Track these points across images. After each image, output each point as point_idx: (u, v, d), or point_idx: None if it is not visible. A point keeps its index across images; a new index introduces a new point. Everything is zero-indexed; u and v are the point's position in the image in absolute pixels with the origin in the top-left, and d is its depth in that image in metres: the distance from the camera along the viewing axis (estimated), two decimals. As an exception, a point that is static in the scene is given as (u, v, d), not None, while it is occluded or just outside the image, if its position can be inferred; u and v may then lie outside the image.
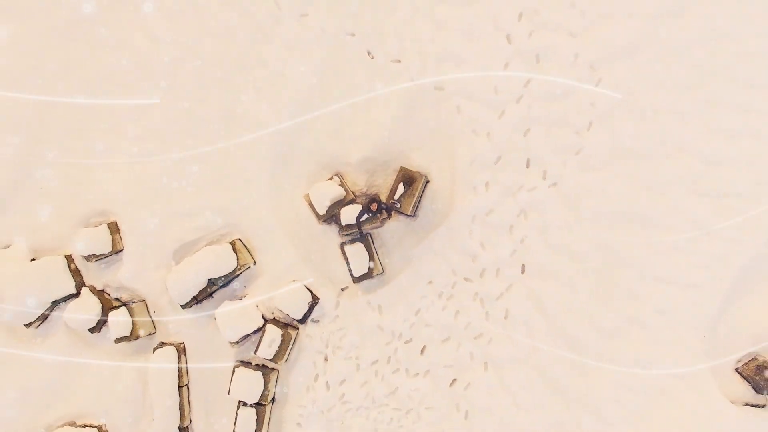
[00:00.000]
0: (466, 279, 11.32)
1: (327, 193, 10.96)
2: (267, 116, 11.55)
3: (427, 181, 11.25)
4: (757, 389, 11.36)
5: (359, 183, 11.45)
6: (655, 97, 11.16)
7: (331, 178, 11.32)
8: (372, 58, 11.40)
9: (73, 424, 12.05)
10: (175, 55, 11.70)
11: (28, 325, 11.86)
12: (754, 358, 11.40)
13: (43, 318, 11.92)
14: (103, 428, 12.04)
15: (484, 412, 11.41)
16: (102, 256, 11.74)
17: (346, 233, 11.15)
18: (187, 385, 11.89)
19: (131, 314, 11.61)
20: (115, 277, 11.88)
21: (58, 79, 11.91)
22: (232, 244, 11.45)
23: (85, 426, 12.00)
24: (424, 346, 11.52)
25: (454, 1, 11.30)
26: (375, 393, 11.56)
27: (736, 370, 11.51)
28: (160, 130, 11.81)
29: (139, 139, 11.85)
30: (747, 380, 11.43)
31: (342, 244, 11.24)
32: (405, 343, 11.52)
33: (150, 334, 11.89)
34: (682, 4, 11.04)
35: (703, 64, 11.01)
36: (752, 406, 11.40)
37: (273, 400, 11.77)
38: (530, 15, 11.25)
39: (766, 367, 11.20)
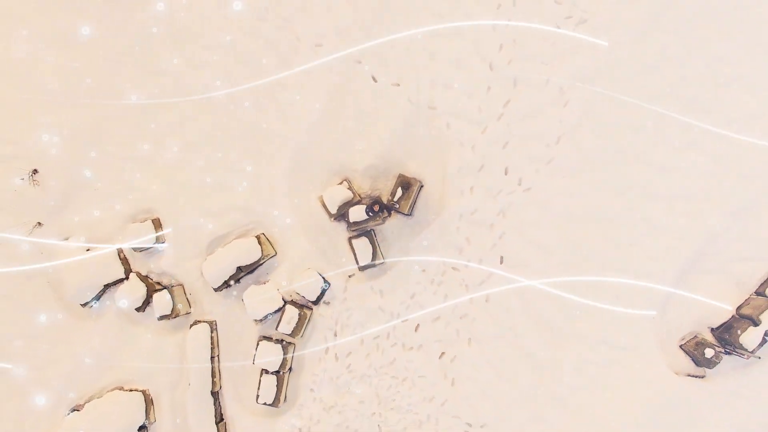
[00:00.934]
0: (453, 268, 13.44)
1: (337, 196, 13.09)
2: (287, 130, 13.67)
3: (422, 186, 13.36)
4: (697, 363, 13.43)
5: (364, 187, 13.58)
6: (614, 116, 13.24)
7: (341, 183, 13.43)
8: (375, 81, 13.51)
9: (121, 388, 14.24)
10: (210, 79, 13.82)
11: (84, 305, 14.04)
12: (695, 337, 13.48)
13: (97, 299, 14.08)
14: (147, 392, 14.21)
15: (468, 380, 13.54)
16: (147, 248, 13.89)
17: (353, 229, 13.26)
18: (218, 356, 14.05)
19: (171, 296, 13.76)
20: (158, 265, 14.05)
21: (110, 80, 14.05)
22: (257, 237, 13.60)
23: (131, 390, 14.19)
24: (418, 325, 13.65)
25: (445, 35, 13.40)
26: (376, 364, 13.70)
27: (680, 346, 13.60)
28: (196, 141, 13.95)
29: (178, 148, 13.99)
30: (689, 355, 13.51)
31: (350, 238, 13.37)
32: (402, 321, 13.65)
33: (187, 313, 14.05)
34: (635, 37, 13.12)
35: (653, 88, 13.10)
36: (693, 376, 13.49)
37: (290, 369, 13.92)
38: (509, 46, 13.34)
39: (704, 345, 13.27)
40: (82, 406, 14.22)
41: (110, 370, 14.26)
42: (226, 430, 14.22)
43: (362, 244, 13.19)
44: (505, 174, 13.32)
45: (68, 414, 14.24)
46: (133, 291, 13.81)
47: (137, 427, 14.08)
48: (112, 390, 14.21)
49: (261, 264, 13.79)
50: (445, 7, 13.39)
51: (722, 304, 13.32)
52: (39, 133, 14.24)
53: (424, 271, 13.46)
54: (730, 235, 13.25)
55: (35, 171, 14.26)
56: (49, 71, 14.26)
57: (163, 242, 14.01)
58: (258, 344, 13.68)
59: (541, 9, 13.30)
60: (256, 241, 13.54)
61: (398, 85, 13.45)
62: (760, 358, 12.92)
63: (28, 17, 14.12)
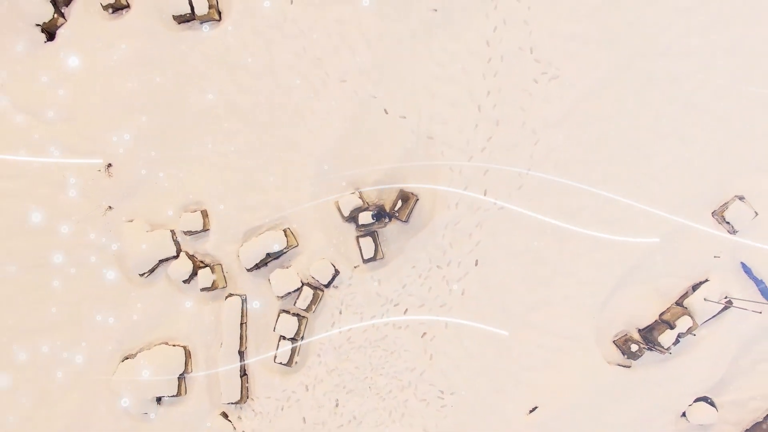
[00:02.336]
0: (438, 266, 16.89)
1: (350, 202, 16.53)
2: (313, 147, 17.08)
3: (417, 199, 16.78)
4: (627, 355, 16.84)
5: (372, 197, 17.00)
6: (574, 153, 16.60)
7: (353, 193, 16.84)
8: (386, 113, 16.90)
9: (166, 343, 17.77)
10: (255, 101, 17.22)
11: (141, 275, 17.54)
12: (625, 335, 16.90)
13: (152, 270, 17.57)
14: (187, 348, 17.74)
15: (443, 356, 17.02)
16: (195, 232, 17.36)
17: (360, 230, 16.71)
18: (246, 323, 17.54)
19: (212, 272, 17.24)
20: (203, 247, 17.54)
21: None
22: (284, 231, 17.07)
23: (174, 345, 17.71)
24: (406, 309, 17.12)
25: (444, 80, 16.75)
26: (371, 338, 17.18)
27: (613, 341, 17.03)
28: (241, 150, 17.37)
29: (225, 154, 17.42)
30: (619, 349, 16.93)
31: (357, 237, 16.81)
32: (394, 306, 17.12)
33: (223, 287, 17.55)
34: (596, 91, 16.47)
35: (608, 139, 16.47)
36: (621, 366, 16.92)
37: (302, 337, 17.40)
38: (495, 93, 16.70)
39: (631, 341, 16.68)
40: (134, 355, 17.80)
41: (159, 328, 17.81)
42: (247, 382, 17.75)
43: (367, 242, 16.64)
44: (484, 195, 16.74)
45: (122, 361, 17.82)
46: (182, 266, 17.30)
47: (177, 375, 17.62)
48: (159, 344, 17.76)
49: (285, 252, 17.26)
50: (445, 58, 16.75)
51: (648, 310, 16.76)
52: (113, 134, 17.69)
53: (414, 267, 16.92)
54: (658, 256, 16.66)
55: (110, 165, 17.74)
56: (125, 83, 17.68)
57: (208, 229, 17.47)
58: (278, 316, 17.18)
59: (523, 65, 16.66)
60: (283, 233, 17.00)
61: (404, 117, 16.84)
62: (671, 353, 16.36)
63: (115, 42, 17.52)
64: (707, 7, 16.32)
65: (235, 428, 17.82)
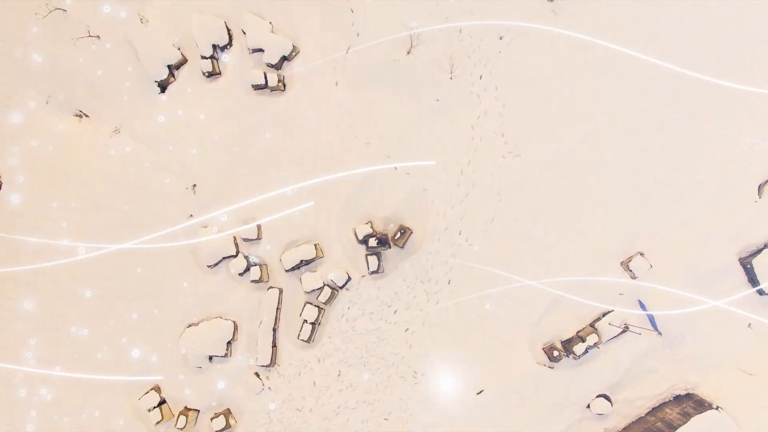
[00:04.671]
0: (421, 282, 23.62)
1: (363, 230, 23.33)
2: (343, 188, 23.91)
3: (411, 232, 23.56)
4: (551, 359, 23.30)
5: (379, 228, 23.80)
6: (528, 211, 23.28)
7: (366, 223, 23.64)
8: (396, 170, 23.75)
9: (220, 317, 24.52)
10: (303, 150, 24.14)
11: (209, 266, 24.44)
12: (551, 343, 23.41)
13: (217, 264, 24.39)
14: (235, 323, 24.47)
15: (419, 346, 23.67)
16: (251, 240, 24.20)
17: (369, 250, 23.48)
18: (280, 309, 24.26)
19: (260, 270, 24.04)
20: (255, 251, 24.40)
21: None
22: (315, 245, 23.89)
23: (226, 320, 24.43)
24: (396, 310, 23.81)
25: (438, 149, 23.58)
26: (369, 328, 23.86)
27: (542, 348, 23.53)
28: (288, 183, 24.23)
29: (275, 188, 24.31)
30: (545, 353, 23.43)
31: (366, 255, 23.59)
32: (387, 306, 23.81)
33: (267, 281, 24.32)
34: (542, 169, 23.19)
35: (552, 202, 23.17)
36: (546, 366, 23.38)
37: (319, 323, 24.08)
38: (473, 162, 23.50)
39: (555, 349, 23.17)
40: (197, 324, 24.58)
41: (217, 305, 24.65)
42: (276, 352, 24.40)
43: (372, 259, 23.40)
44: (459, 234, 23.49)
45: (188, 327, 24.54)
46: (238, 263, 24.14)
47: (226, 342, 24.33)
48: (216, 318, 24.55)
49: (314, 260, 24.05)
50: (441, 134, 23.62)
51: (569, 327, 23.31)
52: (201, 163, 24.67)
53: (404, 280, 23.66)
54: (578, 290, 23.23)
55: (195, 185, 24.69)
56: (212, 127, 24.70)
57: (260, 238, 24.32)
58: (304, 306, 23.91)
59: (495, 144, 23.50)
60: (314, 247, 23.82)
61: (408, 174, 23.69)
62: (578, 359, 22.87)
63: (209, 98, 24.61)
64: (613, 122, 23.04)
65: (263, 385, 24.47)
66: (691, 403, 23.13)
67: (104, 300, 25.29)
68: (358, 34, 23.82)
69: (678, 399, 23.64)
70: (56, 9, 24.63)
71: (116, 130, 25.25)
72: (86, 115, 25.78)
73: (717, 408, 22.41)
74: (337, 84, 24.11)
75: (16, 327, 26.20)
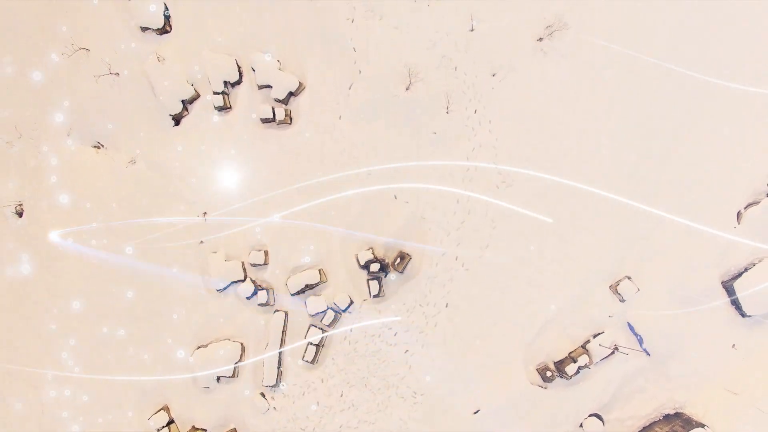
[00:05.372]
0: (420, 305, 24.82)
1: (365, 256, 24.63)
2: (345, 216, 25.28)
3: (410, 258, 24.86)
4: (544, 379, 24.34)
5: (380, 254, 25.10)
6: (517, 240, 24.60)
7: (368, 249, 24.95)
8: (396, 198, 25.17)
9: (228, 339, 25.62)
10: (309, 178, 25.58)
11: (218, 290, 25.60)
12: (544, 364, 24.47)
13: (226, 288, 25.61)
14: (243, 344, 25.57)
15: (418, 367, 24.79)
16: (258, 265, 25.48)
17: (370, 275, 24.74)
18: (286, 330, 25.41)
19: (267, 294, 25.25)
20: (262, 276, 25.62)
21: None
22: (319, 270, 25.15)
23: (234, 341, 25.53)
24: (396, 333, 24.95)
25: (436, 178, 25.01)
26: (370, 349, 24.99)
27: (536, 368, 24.59)
28: (295, 213, 25.61)
29: (282, 220, 25.72)
30: (539, 374, 24.48)
31: (368, 279, 24.84)
32: (388, 329, 24.93)
33: (273, 305, 25.51)
34: (532, 198, 24.61)
35: (542, 231, 24.51)
36: (540, 386, 24.40)
37: (323, 345, 25.19)
38: (469, 191, 24.91)
39: (548, 369, 24.24)
40: (206, 345, 25.67)
41: (225, 328, 25.76)
42: (281, 372, 25.44)
43: (374, 284, 24.65)
44: (456, 260, 24.78)
45: (197, 348, 25.67)
46: (246, 287, 25.35)
47: (234, 362, 25.39)
48: (224, 339, 25.65)
49: (318, 285, 25.28)
50: (439, 165, 25.09)
51: (561, 349, 24.42)
52: (211, 189, 26.09)
53: (404, 304, 24.88)
54: (571, 313, 24.41)
55: (205, 213, 26.08)
56: (223, 157, 26.19)
57: (267, 264, 25.59)
58: (309, 328, 25.06)
59: (489, 175, 24.94)
60: (318, 272, 25.07)
61: (407, 202, 25.11)
62: (570, 379, 23.92)
63: (221, 130, 26.19)
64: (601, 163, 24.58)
65: (268, 404, 25.44)
66: (680, 422, 24.12)
67: (117, 321, 26.49)
68: (360, 72, 25.49)
69: (667, 418, 24.63)
70: (81, 49, 26.40)
71: (132, 161, 26.75)
72: (104, 146, 27.32)
73: (704, 426, 23.41)
74: (340, 118, 25.70)
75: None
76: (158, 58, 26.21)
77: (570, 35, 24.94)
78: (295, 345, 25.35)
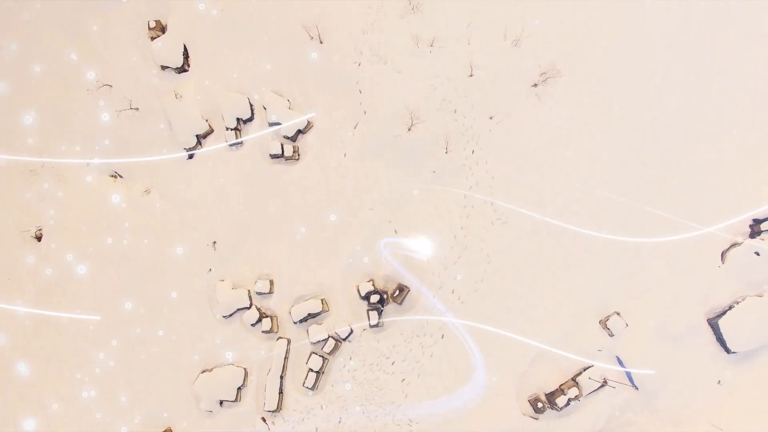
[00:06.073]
0: (417, 336, 25.93)
1: (365, 288, 25.85)
2: (348, 247, 26.57)
3: (409, 290, 26.05)
4: (535, 410, 25.23)
5: (380, 285, 26.31)
6: (509, 274, 25.81)
7: (368, 281, 26.16)
8: (396, 233, 26.48)
9: (233, 364, 26.64)
10: (315, 211, 26.95)
11: (224, 316, 26.75)
12: (536, 395, 25.39)
13: (231, 315, 26.77)
14: (246, 369, 26.59)
15: (414, 396, 25.76)
16: (263, 293, 26.68)
17: (370, 306, 25.91)
18: (288, 357, 26.43)
19: (270, 321, 26.39)
20: (267, 304, 26.83)
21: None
22: (321, 300, 26.33)
23: (238, 366, 26.55)
24: (393, 362, 25.99)
25: (435, 215, 26.36)
26: (369, 378, 25.99)
27: (528, 399, 25.49)
28: (300, 243, 26.93)
29: (291, 244, 27.00)
30: (531, 405, 25.39)
31: (368, 310, 26.00)
32: (386, 358, 25.99)
33: (276, 332, 26.61)
34: (525, 235, 25.89)
35: (537, 266, 25.74)
36: (531, 417, 25.27)
37: (323, 372, 26.19)
38: (465, 228, 26.24)
39: (539, 401, 25.17)
40: (211, 370, 26.69)
41: (230, 353, 26.79)
42: (283, 398, 26.39)
43: (373, 314, 25.81)
44: (452, 292, 25.98)
45: (202, 372, 26.70)
46: (251, 315, 26.50)
47: (237, 387, 26.37)
48: (229, 364, 26.69)
49: (320, 314, 26.43)
50: (438, 202, 26.48)
51: (553, 381, 25.38)
52: (221, 221, 27.46)
53: (401, 334, 25.98)
54: (562, 346, 25.45)
55: (215, 242, 27.40)
56: (232, 189, 27.65)
57: (272, 292, 26.80)
58: (310, 355, 26.11)
59: (485, 212, 26.30)
60: (321, 302, 26.25)
61: (407, 237, 26.40)
62: (560, 410, 24.83)
63: (232, 164, 27.72)
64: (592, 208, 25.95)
65: (269, 429, 26.32)
66: (667, 455, 24.96)
67: (126, 344, 27.61)
68: (365, 112, 27.13)
69: (655, 451, 25.46)
70: (104, 85, 28.20)
71: (147, 191, 28.23)
72: (121, 176, 28.84)
73: (690, 460, 24.27)
74: (345, 155, 27.22)
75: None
76: (176, 95, 27.92)
77: (563, 82, 26.63)
78: (297, 371, 26.48)
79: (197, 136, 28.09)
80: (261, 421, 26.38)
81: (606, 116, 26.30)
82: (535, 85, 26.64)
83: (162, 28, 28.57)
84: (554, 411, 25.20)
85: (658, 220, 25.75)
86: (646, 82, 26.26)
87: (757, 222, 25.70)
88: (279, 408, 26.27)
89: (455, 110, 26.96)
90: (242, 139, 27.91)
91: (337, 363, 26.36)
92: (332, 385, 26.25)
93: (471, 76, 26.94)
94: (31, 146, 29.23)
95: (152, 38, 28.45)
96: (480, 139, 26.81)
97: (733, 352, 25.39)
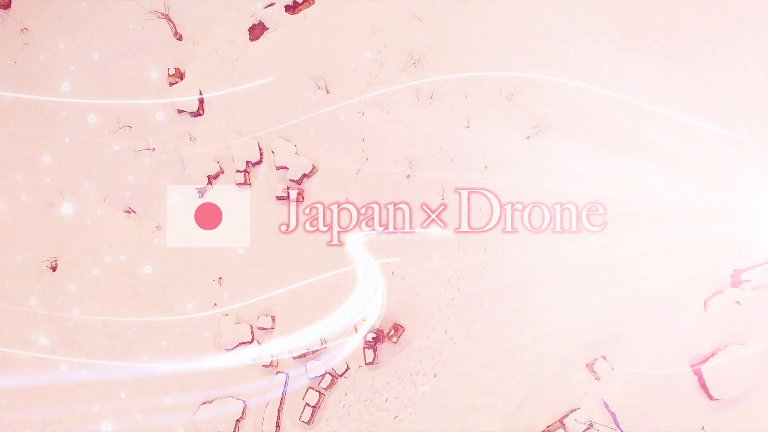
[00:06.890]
0: (410, 374, 27.03)
1: (362, 326, 27.05)
2: (344, 292, 27.95)
3: (404, 330, 27.25)
4: (523, 451, 26.09)
5: (376, 324, 27.51)
6: (506, 322, 27.00)
7: (365, 320, 27.40)
8: (393, 274, 27.84)
9: (233, 396, 27.65)
10: (318, 250, 28.44)
11: (227, 350, 27.93)
12: (524, 436, 26.28)
13: (234, 348, 27.96)
14: (245, 402, 27.54)
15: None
16: (265, 329, 27.94)
17: (366, 344, 27.08)
18: (286, 391, 27.50)
19: (271, 356, 27.53)
20: (268, 339, 28.00)
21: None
22: (320, 338, 27.53)
23: (238, 399, 27.57)
24: (387, 399, 27.00)
25: (433, 285, 27.74)
26: (363, 414, 26.93)
27: (516, 440, 26.39)
28: (300, 290, 28.35)
29: (293, 282, 28.40)
30: (519, 445, 26.24)
31: (363, 348, 27.16)
32: (380, 395, 27.01)
33: (275, 366, 27.74)
34: (518, 283, 27.19)
35: (531, 311, 26.97)
36: (519, 457, 26.16)
37: (319, 406, 27.18)
38: (459, 274, 27.55)
39: (527, 441, 26.01)
40: (212, 401, 27.74)
41: (230, 385, 27.87)
42: (279, 431, 27.31)
43: (369, 352, 26.96)
44: (445, 333, 27.16)
45: (202, 404, 27.73)
46: (252, 349, 27.67)
47: (235, 420, 27.34)
48: (229, 396, 27.74)
49: (318, 350, 27.57)
50: (436, 265, 27.90)
51: (540, 422, 26.26)
52: (226, 256, 28.93)
53: (396, 372, 27.10)
54: (549, 388, 26.42)
55: (221, 278, 28.82)
56: (240, 226, 29.22)
57: (273, 328, 28.05)
58: (307, 390, 27.17)
59: (477, 257, 27.66)
60: (319, 339, 27.43)
61: (403, 278, 27.78)
62: (548, 453, 25.70)
63: (241, 203, 29.40)
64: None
65: (265, 462, 27.22)
66: (651, 500, 25.57)
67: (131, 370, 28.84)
68: (367, 159, 28.88)
69: (640, 495, 26.06)
70: (124, 126, 30.21)
71: (158, 227, 29.83)
72: (134, 212, 30.51)
73: (673, 506, 24.87)
74: (347, 199, 28.86)
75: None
76: (190, 137, 29.83)
77: (554, 134, 28.41)
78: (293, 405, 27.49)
79: (208, 176, 29.83)
80: (257, 453, 27.31)
81: (593, 168, 27.93)
82: (528, 137, 28.39)
83: (180, 75, 30.72)
84: (542, 452, 26.05)
85: (642, 269, 27.08)
86: (629, 135, 28.05)
87: (737, 271, 26.99)
88: (275, 441, 27.25)
89: (452, 159, 28.66)
90: (251, 180, 29.76)
91: (332, 398, 27.37)
92: (327, 420, 27.21)
93: (467, 127, 28.75)
94: (49, 184, 30.96)
95: (170, 84, 30.62)
96: (474, 187, 28.43)
97: (716, 399, 26.28)
